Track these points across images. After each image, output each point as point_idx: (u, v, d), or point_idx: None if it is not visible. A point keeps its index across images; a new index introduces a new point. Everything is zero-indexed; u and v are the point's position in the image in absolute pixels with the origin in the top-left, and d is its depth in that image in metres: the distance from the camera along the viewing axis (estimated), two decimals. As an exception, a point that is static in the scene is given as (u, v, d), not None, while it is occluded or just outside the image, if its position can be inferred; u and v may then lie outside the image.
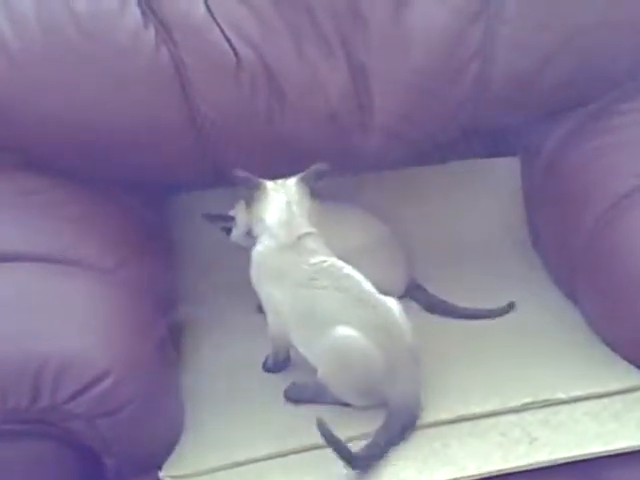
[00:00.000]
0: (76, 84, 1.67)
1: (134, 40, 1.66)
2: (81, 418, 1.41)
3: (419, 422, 1.48)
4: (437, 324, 1.80)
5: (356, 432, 1.47)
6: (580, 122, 1.90)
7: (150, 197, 1.92)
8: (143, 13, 1.68)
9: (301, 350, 1.59)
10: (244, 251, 1.72)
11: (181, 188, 1.98)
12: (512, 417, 1.48)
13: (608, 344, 1.64)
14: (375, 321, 1.50)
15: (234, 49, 1.71)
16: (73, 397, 1.39)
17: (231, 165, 1.69)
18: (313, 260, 1.58)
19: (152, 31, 1.67)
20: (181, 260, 1.96)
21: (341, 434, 1.40)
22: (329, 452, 1.41)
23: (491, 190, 2.04)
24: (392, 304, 1.55)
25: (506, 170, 2.05)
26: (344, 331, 1.48)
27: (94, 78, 1.67)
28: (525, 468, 1.36)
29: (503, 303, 1.80)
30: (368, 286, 1.56)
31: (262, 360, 1.72)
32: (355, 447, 1.41)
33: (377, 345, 1.48)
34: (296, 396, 1.61)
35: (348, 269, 1.58)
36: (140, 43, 1.67)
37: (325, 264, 1.57)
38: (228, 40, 1.71)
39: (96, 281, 1.60)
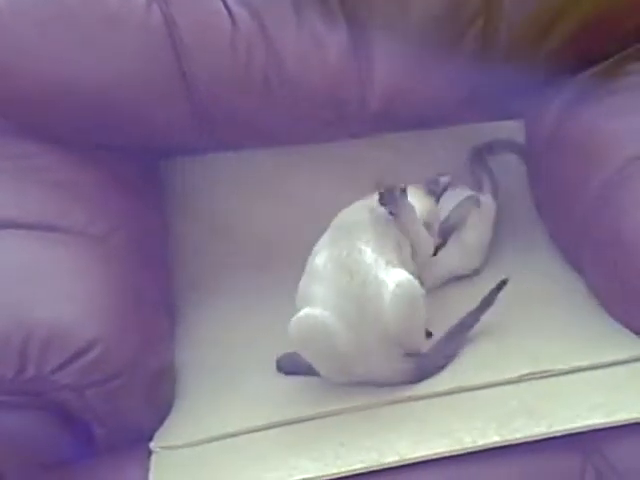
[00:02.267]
0: (66, 47, 1.65)
1: (125, 0, 1.62)
2: (69, 388, 1.38)
3: (415, 394, 1.45)
4: (436, 295, 1.76)
5: (345, 405, 1.45)
6: (587, 84, 1.85)
7: (143, 163, 1.87)
8: (134, -27, 1.64)
9: None
10: (244, 222, 1.71)
11: (175, 153, 1.93)
12: (510, 388, 1.44)
13: (612, 314, 1.59)
14: (353, 304, 1.44)
15: (229, 10, 1.68)
16: (60, 367, 1.36)
17: (225, 130, 1.65)
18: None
19: (143, -9, 1.63)
20: (175, 228, 1.92)
21: (330, 407, 1.39)
22: (324, 423, 1.40)
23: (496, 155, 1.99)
24: (388, 288, 1.44)
25: (511, 134, 2.00)
26: (307, 310, 1.44)
27: (84, 41, 1.65)
28: (522, 440, 1.33)
29: (505, 271, 1.76)
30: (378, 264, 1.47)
31: (259, 331, 1.69)
32: (348, 420, 1.40)
33: (347, 325, 1.42)
34: (288, 367, 1.58)
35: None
36: (131, 3, 1.63)
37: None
38: (223, 0, 1.66)
39: (85, 248, 1.57)
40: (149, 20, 1.64)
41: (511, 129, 2.00)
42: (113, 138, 1.77)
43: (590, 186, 1.70)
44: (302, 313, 1.44)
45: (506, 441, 1.32)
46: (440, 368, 1.49)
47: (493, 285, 1.58)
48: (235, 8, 1.66)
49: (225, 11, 1.67)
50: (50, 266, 1.49)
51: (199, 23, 1.66)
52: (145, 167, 1.88)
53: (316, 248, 1.53)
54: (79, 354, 1.37)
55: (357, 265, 1.45)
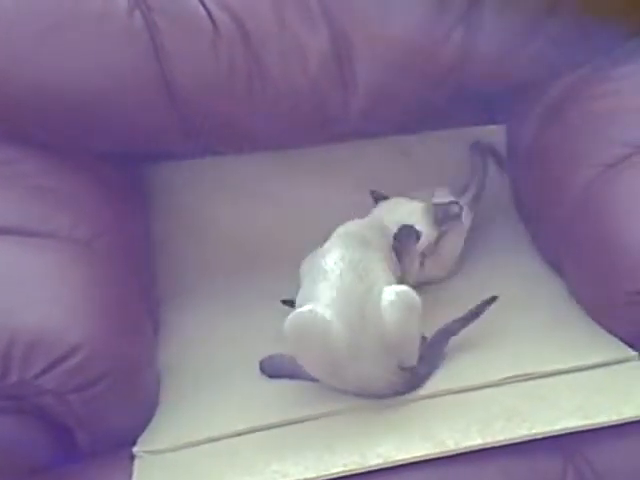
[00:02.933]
0: (48, 50, 1.65)
1: (107, 4, 1.63)
2: (52, 393, 1.38)
3: (399, 398, 1.45)
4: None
5: (329, 409, 1.45)
6: (567, 89, 1.86)
7: (127, 167, 1.87)
8: (117, -24, 1.64)
9: None
10: (227, 225, 1.71)
11: (159, 157, 1.93)
12: (492, 391, 1.45)
13: (592, 316, 1.61)
14: (355, 306, 1.45)
15: (211, 16, 1.68)
16: (44, 372, 1.36)
17: (209, 134, 1.65)
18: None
19: (125, -5, 1.63)
20: (159, 232, 1.92)
21: (314, 410, 1.40)
22: (308, 427, 1.41)
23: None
24: (389, 296, 1.46)
25: (492, 138, 2.01)
26: (309, 306, 1.44)
27: (66, 44, 1.65)
28: (504, 443, 1.33)
29: (487, 274, 1.77)
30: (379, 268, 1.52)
31: (242, 334, 1.69)
32: (332, 423, 1.41)
33: (346, 326, 1.43)
34: (271, 370, 1.58)
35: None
36: (113, 7, 1.63)
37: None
38: (205, 6, 1.67)
39: (69, 253, 1.57)
40: (131, 25, 1.63)
41: (494, 133, 2.02)
42: (97, 143, 1.77)
43: (571, 190, 1.72)
44: (304, 308, 1.44)
45: (488, 443, 1.33)
46: (426, 378, 1.50)
47: (473, 288, 1.60)
48: (217, 13, 1.66)
49: (207, 16, 1.67)
50: (33, 271, 1.49)
51: (181, 28, 1.66)
52: (129, 172, 1.88)
53: (325, 247, 1.56)
54: (62, 359, 1.37)
55: (368, 272, 1.48)
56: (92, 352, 1.39)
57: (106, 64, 1.65)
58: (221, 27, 1.67)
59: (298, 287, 1.57)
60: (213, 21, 1.66)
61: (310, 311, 1.43)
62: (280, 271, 1.82)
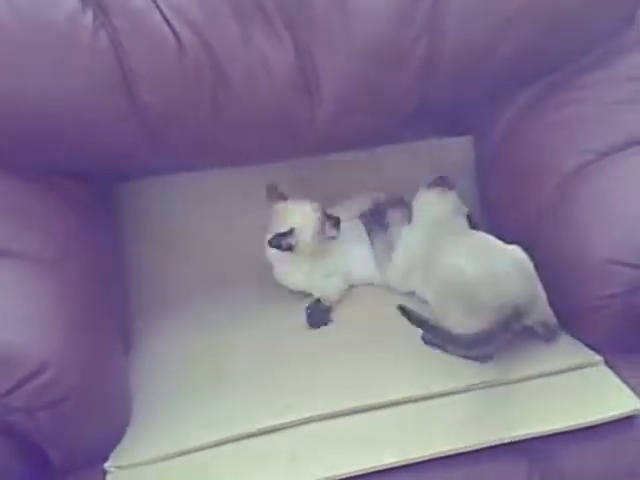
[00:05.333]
0: (14, 72, 1.64)
1: (71, 25, 1.63)
2: (21, 411, 1.39)
3: (363, 405, 1.47)
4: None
5: (299, 417, 1.47)
6: (532, 99, 1.89)
7: (97, 185, 1.88)
8: (81, -4, 1.65)
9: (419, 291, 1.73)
10: (198, 241, 1.74)
11: (129, 175, 1.94)
12: (458, 398, 1.47)
13: (558, 322, 1.62)
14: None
15: (176, 33, 1.68)
16: (12, 390, 1.37)
17: (178, 151, 1.66)
18: None
19: (90, 16, 1.64)
20: (130, 249, 1.93)
21: (281, 420, 1.43)
22: (277, 437, 1.42)
23: (444, 170, 2.02)
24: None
25: (459, 149, 2.03)
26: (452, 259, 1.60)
27: (32, 65, 1.64)
28: (470, 449, 1.36)
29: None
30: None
31: (213, 348, 1.70)
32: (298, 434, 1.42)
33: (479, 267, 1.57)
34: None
35: None
36: (78, 28, 1.63)
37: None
38: (169, 24, 1.67)
39: (38, 273, 1.56)
40: (97, 45, 1.63)
41: (459, 144, 2.04)
42: (65, 163, 1.77)
43: (537, 198, 1.75)
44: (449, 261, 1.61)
45: (453, 450, 1.35)
46: None
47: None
48: (181, 30, 1.66)
49: (171, 34, 1.67)
50: (1, 290, 1.49)
51: (146, 47, 1.66)
52: (99, 189, 1.88)
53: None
54: (30, 377, 1.37)
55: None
56: (60, 369, 1.39)
57: (72, 84, 1.65)
58: (186, 44, 1.67)
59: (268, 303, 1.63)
60: (178, 38, 1.67)
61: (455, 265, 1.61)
62: (250, 287, 1.85)
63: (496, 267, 1.58)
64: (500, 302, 1.53)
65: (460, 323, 1.56)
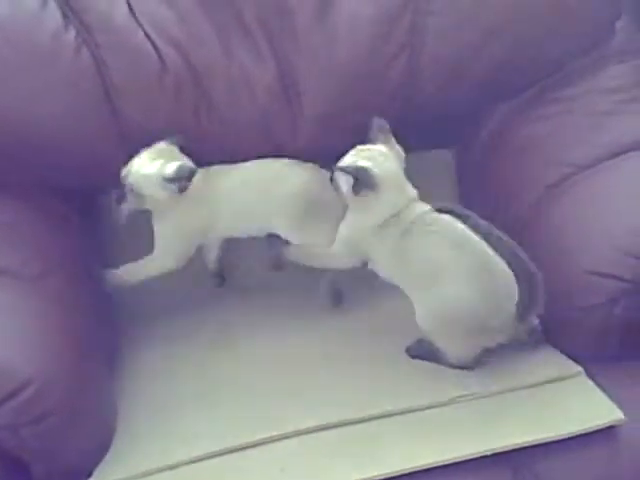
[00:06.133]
0: (-2, 88, 1.65)
1: (54, 42, 1.65)
2: (4, 428, 1.38)
3: (349, 418, 1.48)
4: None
5: (286, 430, 1.47)
6: (512, 112, 1.91)
7: (80, 200, 1.88)
8: (64, 14, 1.67)
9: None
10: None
11: (112, 189, 1.92)
12: (441, 410, 1.48)
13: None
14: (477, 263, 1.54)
15: (158, 51, 1.70)
16: (-6, 408, 1.37)
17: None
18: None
19: (72, 33, 1.66)
20: (114, 263, 1.91)
21: (269, 433, 1.43)
22: (264, 450, 1.43)
23: (425, 182, 2.03)
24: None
25: (440, 163, 2.04)
26: (454, 290, 1.52)
27: (15, 81, 1.66)
28: (452, 461, 1.36)
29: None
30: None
31: (198, 363, 1.71)
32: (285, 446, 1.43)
33: (480, 290, 1.52)
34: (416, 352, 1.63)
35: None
36: (60, 45, 1.65)
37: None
38: (151, 41, 1.70)
39: (20, 289, 1.56)
40: (79, 63, 1.65)
41: (440, 157, 2.05)
42: (47, 179, 1.78)
43: (518, 211, 1.77)
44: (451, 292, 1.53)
45: (436, 462, 1.36)
46: None
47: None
48: (163, 47, 1.68)
49: (153, 51, 1.69)
50: (-18, 308, 1.49)
51: (129, 64, 1.67)
52: (82, 204, 1.88)
53: None
54: (13, 394, 1.37)
55: None
56: (43, 386, 1.39)
57: (55, 100, 1.66)
58: (168, 61, 1.69)
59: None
60: (159, 55, 1.68)
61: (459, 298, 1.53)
62: (234, 301, 1.85)
63: (497, 284, 1.55)
64: (504, 318, 1.54)
65: (460, 346, 1.57)
